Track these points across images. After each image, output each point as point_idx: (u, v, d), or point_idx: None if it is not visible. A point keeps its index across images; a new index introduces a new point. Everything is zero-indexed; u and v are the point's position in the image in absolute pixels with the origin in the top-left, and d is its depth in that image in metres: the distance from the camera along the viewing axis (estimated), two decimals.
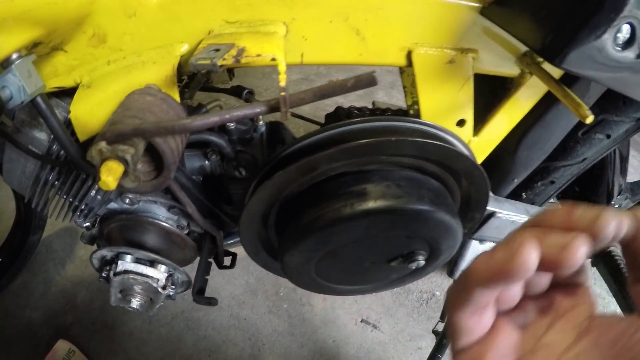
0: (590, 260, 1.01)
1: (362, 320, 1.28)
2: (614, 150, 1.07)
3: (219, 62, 0.44)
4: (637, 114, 0.84)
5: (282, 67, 0.44)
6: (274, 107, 0.43)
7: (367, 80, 0.42)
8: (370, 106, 0.84)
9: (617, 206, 1.17)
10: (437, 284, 1.40)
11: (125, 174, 0.46)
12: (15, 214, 1.23)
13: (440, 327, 1.01)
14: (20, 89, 0.52)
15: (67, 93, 0.64)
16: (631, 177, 1.94)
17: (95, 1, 0.54)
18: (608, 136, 0.87)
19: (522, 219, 0.85)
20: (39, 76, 0.54)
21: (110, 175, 0.44)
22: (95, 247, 0.82)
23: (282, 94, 0.42)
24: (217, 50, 0.46)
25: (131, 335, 1.17)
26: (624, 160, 1.12)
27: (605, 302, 1.40)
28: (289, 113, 0.44)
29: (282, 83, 0.42)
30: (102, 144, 0.44)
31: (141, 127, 0.44)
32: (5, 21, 0.46)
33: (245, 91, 0.69)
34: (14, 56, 0.51)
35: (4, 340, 1.17)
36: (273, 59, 0.44)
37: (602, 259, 0.98)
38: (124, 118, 0.47)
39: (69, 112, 0.63)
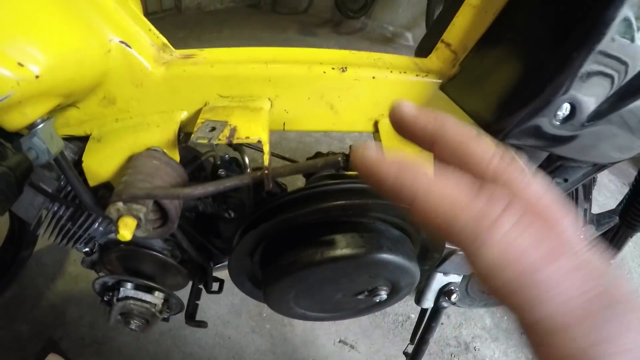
0: None
1: (340, 341, 1.43)
2: (575, 188, 1.21)
3: (215, 142, 0.58)
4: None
5: (266, 149, 0.58)
6: (259, 180, 0.58)
7: (333, 164, 0.56)
8: (347, 150, 0.98)
9: (581, 237, 1.31)
10: (412, 307, 1.55)
11: (138, 226, 0.60)
12: (9, 229, 1.35)
13: (410, 349, 1.16)
14: (45, 150, 0.64)
15: (75, 137, 0.77)
16: (607, 201, 2.12)
17: (107, 73, 0.66)
18: (565, 180, 0.99)
19: None
20: (59, 137, 0.67)
21: (126, 229, 0.58)
22: (90, 269, 0.95)
23: (266, 172, 0.56)
24: (214, 129, 0.60)
25: (120, 352, 1.30)
26: (587, 190, 1.25)
27: None
28: (271, 184, 0.58)
29: (266, 163, 0.57)
30: (119, 204, 0.58)
31: (152, 192, 0.58)
32: (33, 97, 0.56)
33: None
34: (38, 121, 0.62)
35: None
36: (259, 141, 0.59)
37: None
38: (135, 181, 0.61)
39: (76, 153, 0.76)
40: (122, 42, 0.66)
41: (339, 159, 0.56)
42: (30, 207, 0.85)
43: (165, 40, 0.73)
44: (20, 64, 0.51)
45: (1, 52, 0.50)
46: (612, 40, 0.55)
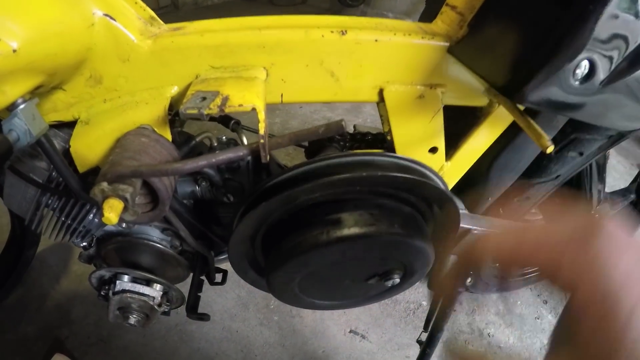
0: None
1: (350, 331, 1.36)
2: (590, 164, 1.14)
3: (206, 112, 0.51)
4: (609, 132, 0.90)
5: (261, 116, 0.51)
6: (255, 151, 0.51)
7: (335, 128, 0.50)
8: (352, 130, 0.91)
9: (597, 216, 1.24)
10: (423, 294, 1.48)
11: (125, 209, 0.53)
12: (10, 229, 1.30)
13: (424, 337, 1.09)
14: (26, 131, 0.59)
15: (65, 124, 0.71)
16: (617, 182, 2.04)
17: (91, 48, 0.61)
18: (581, 153, 0.93)
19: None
20: (42, 118, 0.61)
21: (112, 211, 0.51)
22: (92, 266, 0.89)
23: (262, 141, 0.49)
24: (204, 99, 0.53)
25: (126, 349, 1.24)
26: (601, 169, 1.19)
27: None
28: (268, 155, 0.52)
29: (262, 131, 0.50)
30: (104, 184, 0.52)
31: (139, 169, 0.51)
32: (11, 73, 0.52)
33: (232, 122, 0.77)
34: (19, 101, 0.57)
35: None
36: (253, 109, 0.52)
37: None
38: (122, 159, 0.54)
39: (66, 141, 0.70)
40: (106, 15, 0.60)
41: (342, 122, 0.49)
42: (23, 200, 0.80)
43: (152, 14, 0.66)
44: None
45: None
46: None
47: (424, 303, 1.46)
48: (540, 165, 0.95)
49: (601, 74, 0.56)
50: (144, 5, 0.65)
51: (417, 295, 1.49)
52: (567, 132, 0.89)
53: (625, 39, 0.54)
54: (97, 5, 0.59)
